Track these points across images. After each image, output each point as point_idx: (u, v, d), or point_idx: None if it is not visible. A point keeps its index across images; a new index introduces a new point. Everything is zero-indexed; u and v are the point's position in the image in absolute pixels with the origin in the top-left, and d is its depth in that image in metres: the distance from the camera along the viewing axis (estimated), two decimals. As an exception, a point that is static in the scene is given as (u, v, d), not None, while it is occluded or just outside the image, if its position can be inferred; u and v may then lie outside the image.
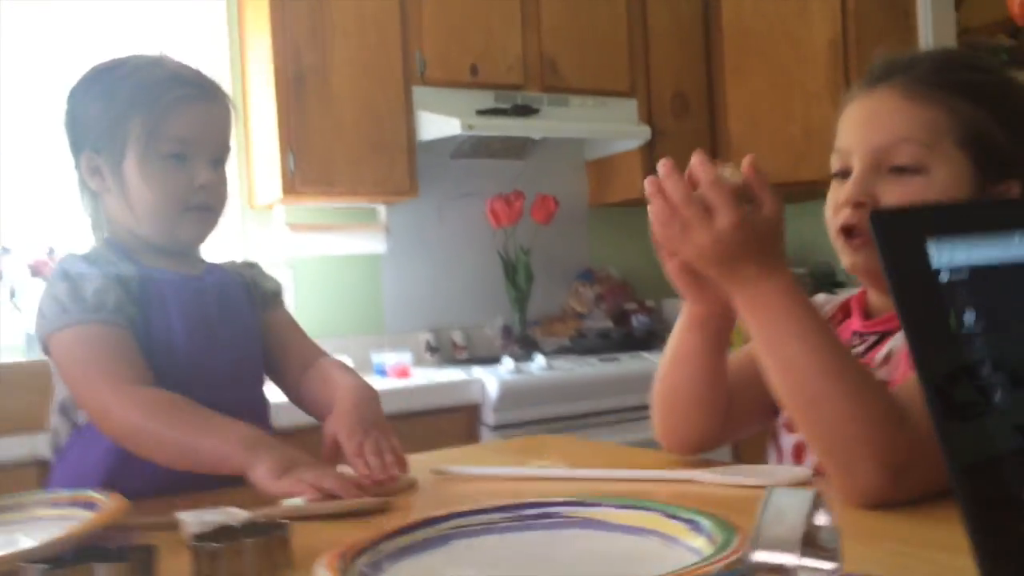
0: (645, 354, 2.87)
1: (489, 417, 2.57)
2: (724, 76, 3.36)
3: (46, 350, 1.19)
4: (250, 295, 1.35)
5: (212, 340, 1.25)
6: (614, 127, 3.18)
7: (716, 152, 3.37)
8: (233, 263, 1.41)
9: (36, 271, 2.56)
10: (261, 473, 1.04)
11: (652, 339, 3.06)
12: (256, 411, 1.32)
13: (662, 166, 0.85)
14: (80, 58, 2.51)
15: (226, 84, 2.68)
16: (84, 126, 1.24)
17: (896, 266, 0.43)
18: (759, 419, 1.13)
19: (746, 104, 3.33)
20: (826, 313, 1.09)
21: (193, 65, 1.29)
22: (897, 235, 0.44)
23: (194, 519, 0.87)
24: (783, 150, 3.26)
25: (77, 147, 1.25)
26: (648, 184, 0.85)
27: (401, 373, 2.77)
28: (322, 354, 1.36)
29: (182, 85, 1.22)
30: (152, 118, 1.20)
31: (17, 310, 2.56)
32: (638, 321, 3.37)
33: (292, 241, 2.90)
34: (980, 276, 0.43)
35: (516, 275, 3.20)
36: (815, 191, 3.18)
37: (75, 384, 1.17)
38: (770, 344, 0.83)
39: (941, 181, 0.92)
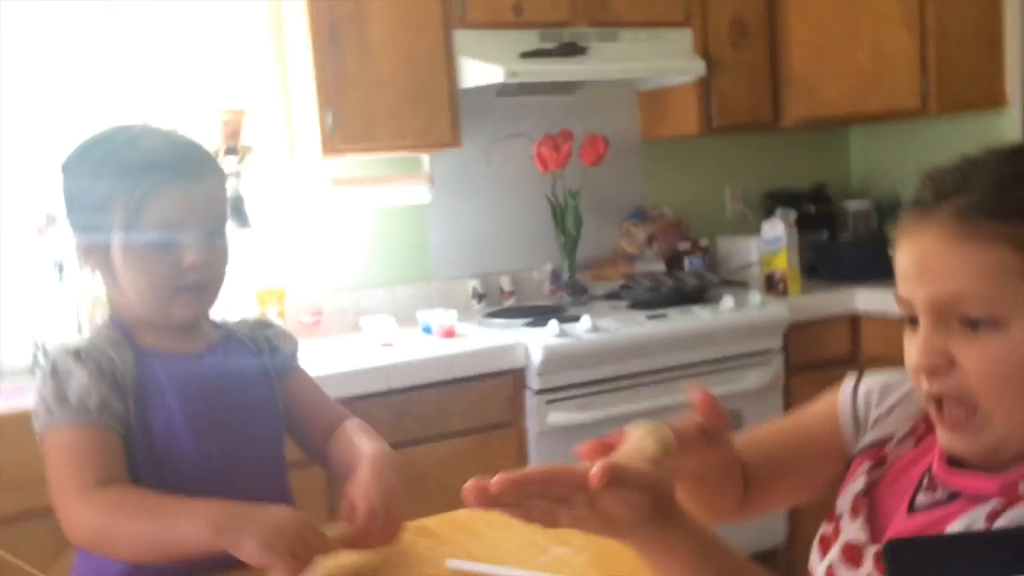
0: (696, 308, 2.77)
1: (534, 382, 2.54)
2: None
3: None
4: (262, 364, 1.35)
5: (216, 421, 1.25)
6: (667, 64, 2.99)
7: (777, 83, 3.18)
8: (245, 323, 1.40)
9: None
10: (246, 553, 1.06)
11: (704, 291, 2.93)
12: (274, 482, 1.34)
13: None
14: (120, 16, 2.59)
15: (263, 39, 2.74)
16: (73, 206, 1.24)
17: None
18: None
19: (810, 29, 3.10)
20: (911, 417, 0.95)
21: (178, 136, 1.27)
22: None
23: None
24: (849, 78, 3.08)
25: (71, 225, 1.25)
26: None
27: (447, 334, 2.69)
28: (345, 416, 1.39)
29: (159, 169, 1.20)
30: (130, 207, 1.19)
31: (63, 283, 2.49)
32: (691, 264, 3.23)
33: (335, 196, 2.81)
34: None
35: (565, 220, 3.07)
36: (882, 116, 3.21)
37: (52, 491, 1.17)
38: None
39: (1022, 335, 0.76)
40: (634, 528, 0.74)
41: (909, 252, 0.82)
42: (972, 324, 0.78)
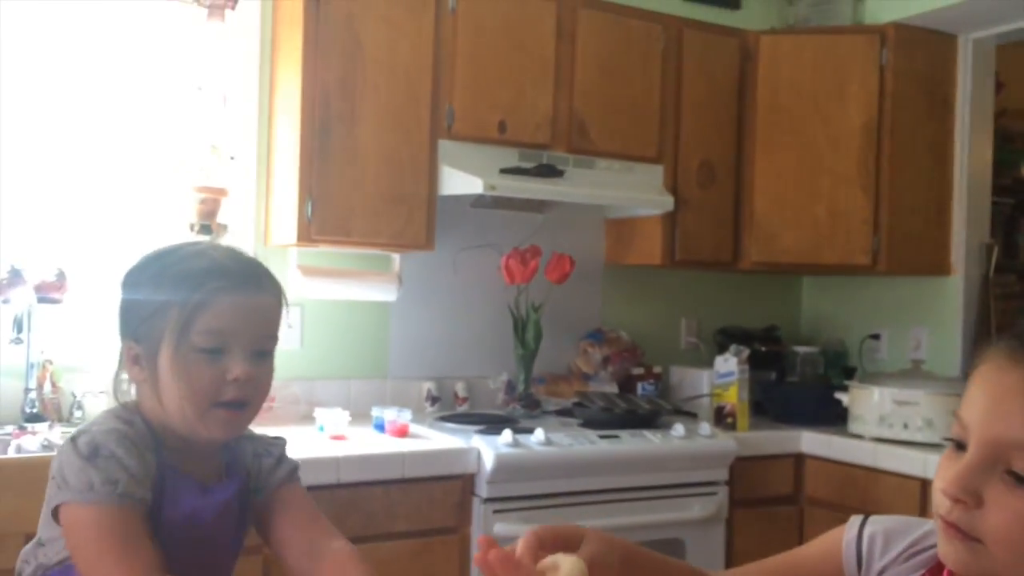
0: (647, 433, 2.80)
1: (482, 489, 2.53)
2: (753, 150, 3.32)
3: (55, 514, 1.17)
4: (246, 505, 1.34)
5: (188, 555, 1.25)
6: (638, 195, 3.13)
7: (739, 226, 3.34)
8: (252, 444, 1.37)
9: (44, 295, 2.51)
10: None
11: (656, 417, 2.95)
12: None
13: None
14: (105, 88, 2.69)
15: (252, 121, 2.83)
16: (128, 314, 1.26)
17: None
18: None
19: (773, 180, 3.30)
20: (918, 569, 0.97)
21: (243, 253, 1.29)
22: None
23: None
24: (806, 230, 3.25)
25: (122, 334, 1.26)
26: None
27: (400, 432, 2.69)
28: (334, 537, 1.32)
29: (221, 276, 1.22)
30: (187, 310, 1.20)
31: (20, 342, 2.50)
32: (644, 389, 3.28)
33: (303, 284, 2.82)
34: None
35: (525, 332, 3.11)
36: (834, 269, 3.38)
37: (88, 566, 1.15)
38: None
39: None
40: None
41: (992, 382, 0.82)
42: (1017, 479, 0.78)
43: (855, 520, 1.02)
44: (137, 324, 1.23)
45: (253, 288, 1.25)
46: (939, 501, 0.83)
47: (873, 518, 1.02)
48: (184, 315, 1.19)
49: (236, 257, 1.27)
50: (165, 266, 1.24)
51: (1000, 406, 0.80)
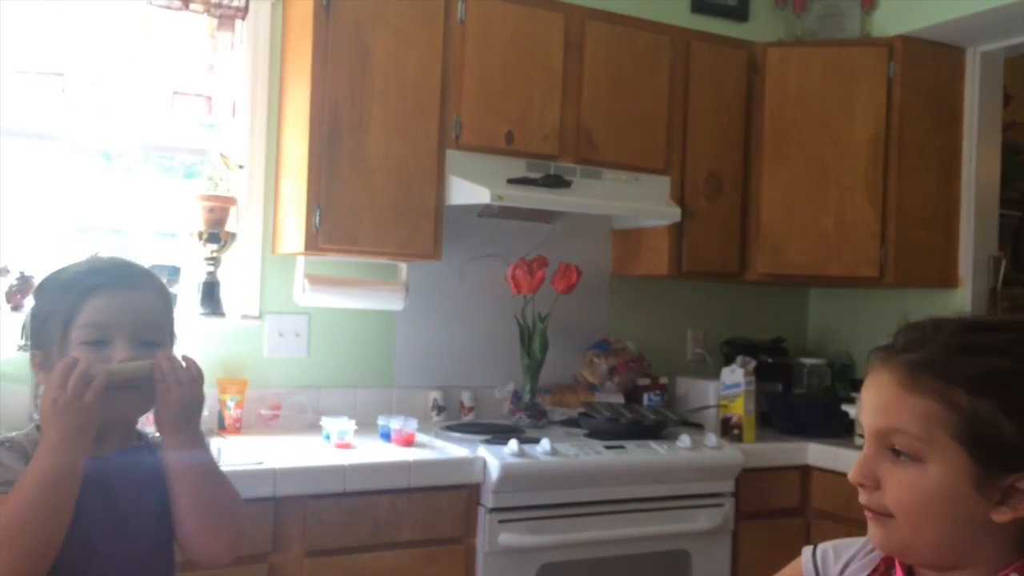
0: (653, 444, 2.80)
1: (488, 499, 2.53)
2: (761, 162, 3.32)
3: None
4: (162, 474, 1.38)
5: (109, 517, 1.30)
6: (645, 206, 3.11)
7: (746, 237, 3.33)
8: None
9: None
10: (57, 429, 1.23)
11: (661, 428, 2.95)
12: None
13: None
14: (116, 96, 2.73)
15: (261, 131, 2.85)
16: (30, 326, 1.36)
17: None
18: None
19: (780, 192, 3.29)
20: (868, 565, 1.10)
21: (126, 260, 1.39)
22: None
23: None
24: (814, 242, 3.24)
25: (31, 345, 1.36)
26: None
27: (406, 441, 2.69)
28: None
29: (95, 275, 1.31)
30: (65, 310, 1.29)
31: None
32: (650, 399, 3.28)
33: (310, 293, 2.83)
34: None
35: (531, 343, 3.12)
36: (841, 281, 3.38)
37: None
38: None
39: (936, 474, 0.92)
40: None
41: (869, 386, 1.00)
42: (898, 455, 0.95)
43: (807, 548, 1.18)
44: (34, 333, 1.33)
45: (126, 285, 1.34)
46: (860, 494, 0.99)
47: (821, 543, 1.18)
48: (65, 316, 1.29)
49: (114, 262, 1.38)
50: (55, 282, 1.34)
51: (878, 402, 0.98)
